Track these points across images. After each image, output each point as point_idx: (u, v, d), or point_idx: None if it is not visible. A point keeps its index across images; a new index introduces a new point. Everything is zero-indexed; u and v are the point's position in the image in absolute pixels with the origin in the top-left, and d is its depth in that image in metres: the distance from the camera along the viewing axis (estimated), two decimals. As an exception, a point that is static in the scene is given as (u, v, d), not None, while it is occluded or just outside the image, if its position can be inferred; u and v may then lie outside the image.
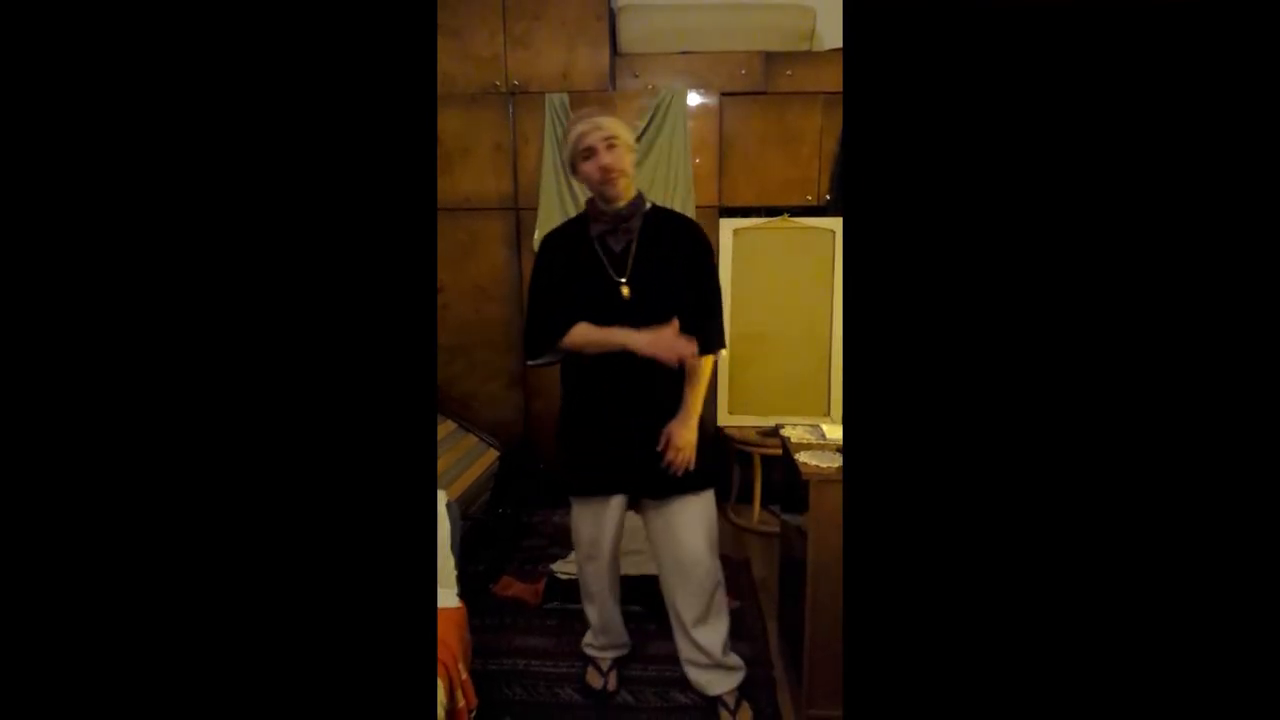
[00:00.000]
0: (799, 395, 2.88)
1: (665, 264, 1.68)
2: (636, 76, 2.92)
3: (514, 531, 2.87)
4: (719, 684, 1.81)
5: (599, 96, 2.88)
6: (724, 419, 2.98)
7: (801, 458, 1.78)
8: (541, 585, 2.44)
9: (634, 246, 1.67)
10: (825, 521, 1.71)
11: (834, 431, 1.98)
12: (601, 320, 1.65)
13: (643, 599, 2.31)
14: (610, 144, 1.60)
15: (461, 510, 2.39)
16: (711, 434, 1.92)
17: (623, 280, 1.66)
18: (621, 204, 1.66)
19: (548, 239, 1.79)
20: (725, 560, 2.37)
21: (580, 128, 1.62)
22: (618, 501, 1.77)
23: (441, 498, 1.79)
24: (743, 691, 1.83)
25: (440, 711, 1.47)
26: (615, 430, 1.71)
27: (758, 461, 2.90)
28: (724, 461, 1.87)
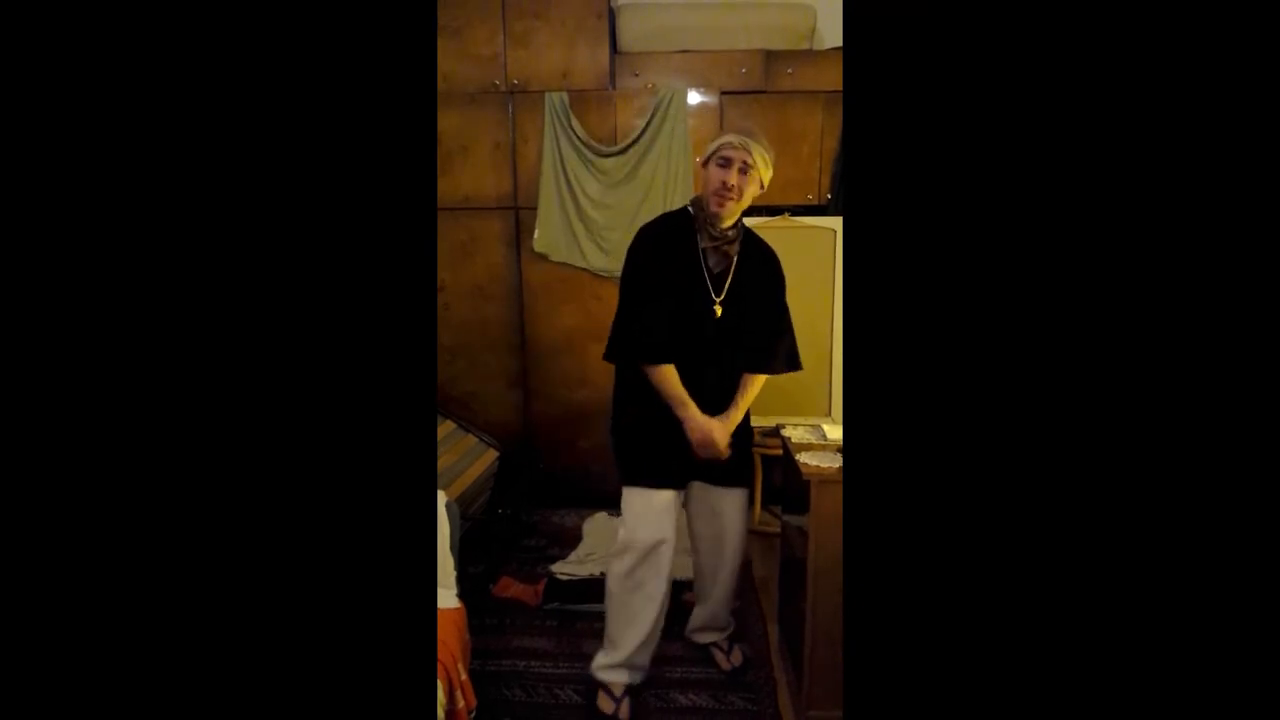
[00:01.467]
0: (800, 395, 2.87)
1: (754, 291, 1.77)
2: (636, 75, 2.92)
3: (513, 532, 2.86)
4: (711, 636, 2.08)
5: (599, 95, 2.88)
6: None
7: (802, 458, 1.77)
8: (541, 586, 2.43)
9: (732, 269, 1.75)
10: (826, 522, 1.71)
11: (835, 432, 1.97)
12: (693, 334, 1.74)
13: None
14: (745, 168, 1.66)
15: (461, 510, 2.39)
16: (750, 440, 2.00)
17: (717, 300, 1.74)
18: (728, 224, 1.72)
19: (647, 231, 1.78)
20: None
21: (730, 138, 1.67)
22: (679, 492, 1.83)
23: (441, 498, 1.78)
24: (730, 638, 2.10)
25: (440, 712, 1.47)
26: (678, 429, 1.75)
27: (759, 462, 2.89)
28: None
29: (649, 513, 1.78)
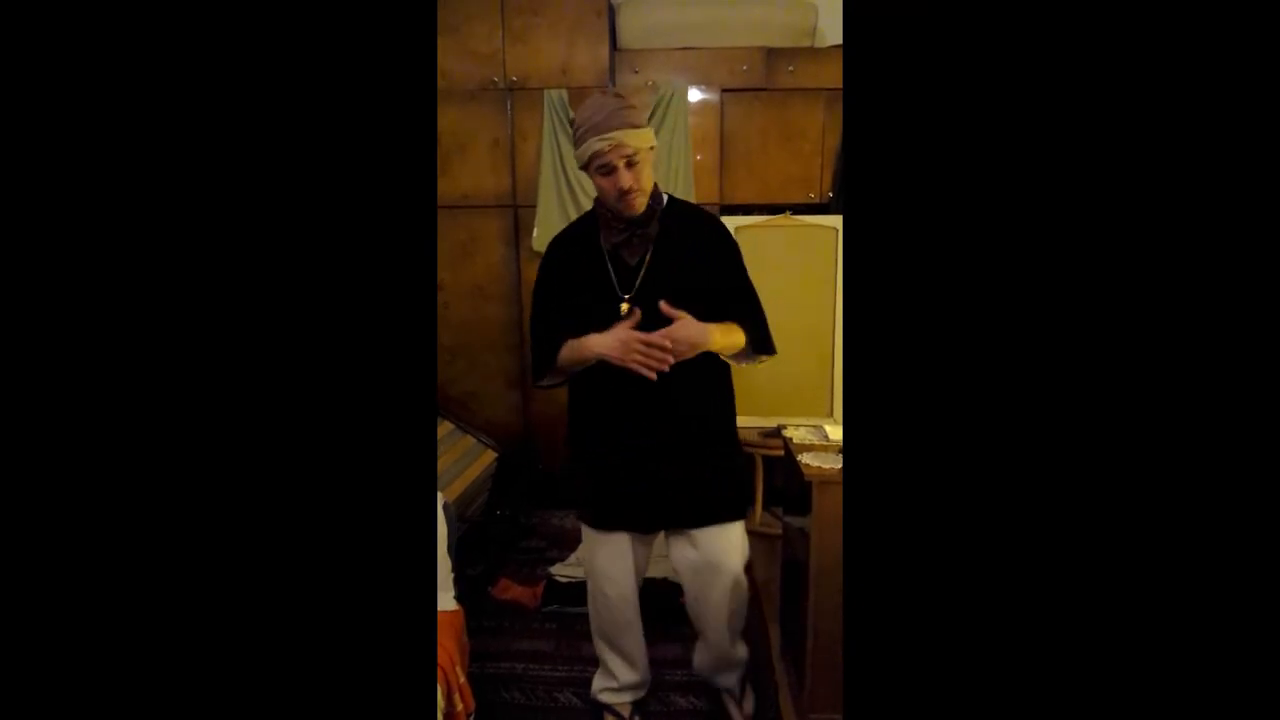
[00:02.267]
0: (801, 395, 2.86)
1: (681, 274, 1.51)
2: (637, 72, 2.90)
3: (512, 533, 2.85)
4: (728, 678, 1.82)
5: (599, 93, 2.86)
6: (724, 419, 2.95)
7: (804, 459, 1.76)
8: (540, 588, 2.42)
9: (648, 257, 1.51)
10: (828, 523, 1.70)
11: (836, 432, 1.96)
12: None
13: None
14: (631, 161, 1.42)
15: (459, 512, 2.37)
16: (741, 458, 1.75)
17: (625, 297, 1.51)
18: (638, 210, 1.49)
19: (554, 244, 1.63)
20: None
21: (597, 145, 1.41)
22: (643, 537, 1.66)
23: (439, 499, 1.77)
24: (744, 678, 1.85)
25: (438, 715, 1.46)
26: (637, 456, 1.54)
27: (759, 463, 2.88)
28: (750, 485, 1.76)
29: (602, 557, 1.65)
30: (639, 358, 1.41)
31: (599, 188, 1.49)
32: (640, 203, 1.47)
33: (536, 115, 2.87)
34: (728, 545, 1.62)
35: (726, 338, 1.50)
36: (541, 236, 2.92)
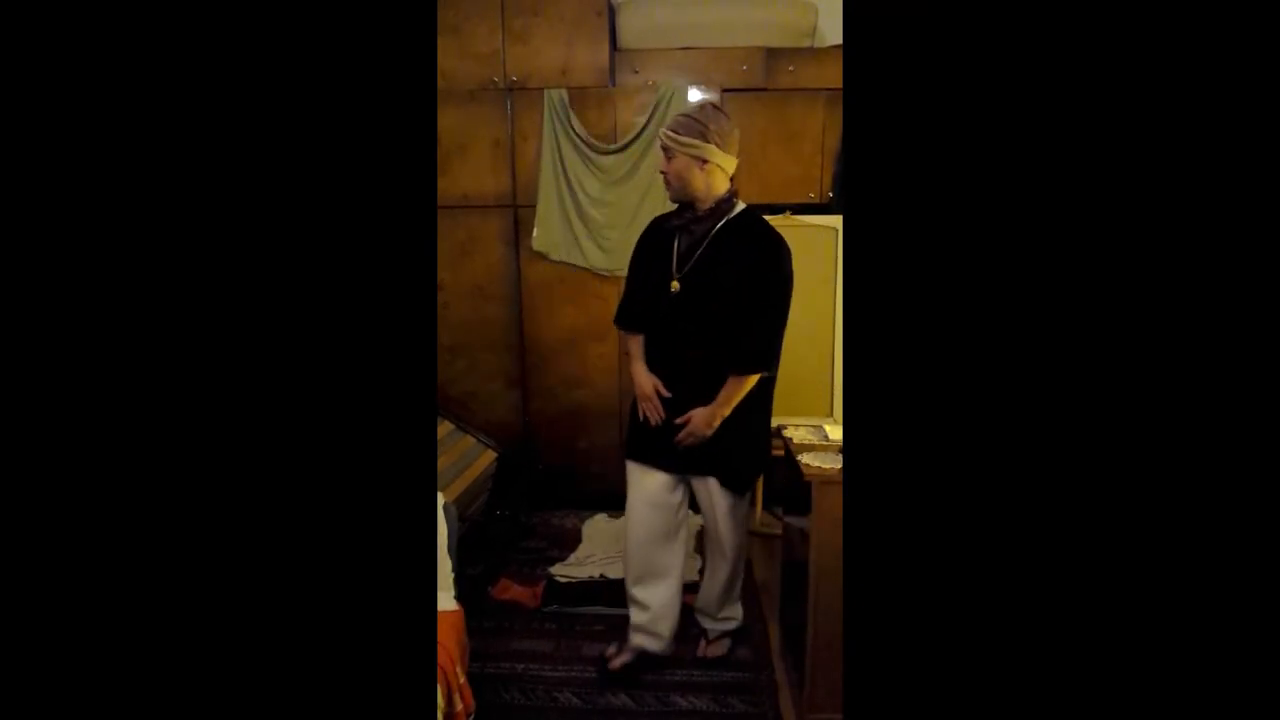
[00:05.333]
0: (801, 395, 2.86)
1: (723, 270, 1.77)
2: (637, 72, 2.90)
3: (512, 533, 2.85)
4: (702, 620, 2.11)
5: (599, 92, 2.86)
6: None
7: (804, 459, 1.76)
8: (540, 588, 2.42)
9: (700, 249, 1.80)
10: (828, 523, 1.70)
11: (836, 432, 1.96)
12: (654, 306, 1.86)
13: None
14: (669, 153, 1.75)
15: (459, 512, 2.37)
16: (755, 442, 1.91)
17: (676, 276, 1.81)
18: (700, 207, 1.78)
19: (653, 221, 1.97)
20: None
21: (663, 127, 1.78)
22: (665, 476, 1.89)
23: (439, 499, 1.76)
24: (728, 636, 2.12)
25: (438, 715, 1.45)
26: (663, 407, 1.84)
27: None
28: (754, 469, 1.94)
29: (632, 479, 1.95)
30: (647, 407, 1.87)
31: None
32: (675, 187, 1.78)
33: (536, 115, 2.86)
34: (718, 500, 1.89)
35: (734, 399, 1.78)
36: (541, 236, 2.92)
